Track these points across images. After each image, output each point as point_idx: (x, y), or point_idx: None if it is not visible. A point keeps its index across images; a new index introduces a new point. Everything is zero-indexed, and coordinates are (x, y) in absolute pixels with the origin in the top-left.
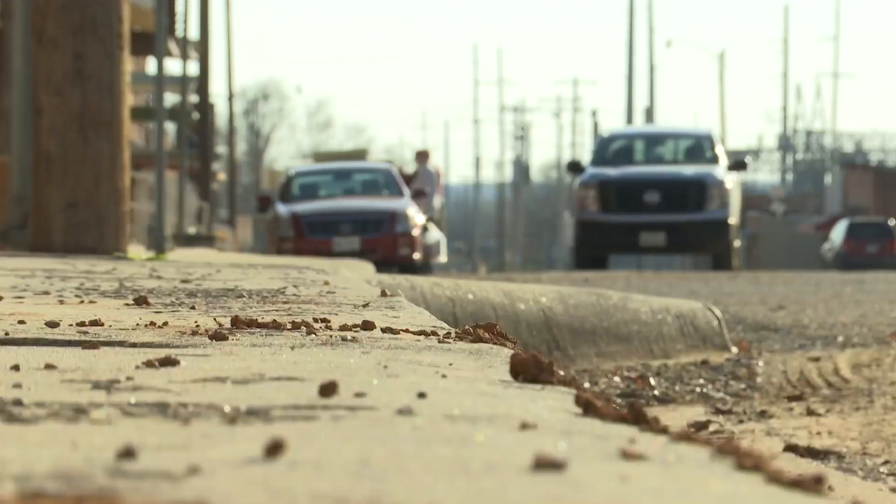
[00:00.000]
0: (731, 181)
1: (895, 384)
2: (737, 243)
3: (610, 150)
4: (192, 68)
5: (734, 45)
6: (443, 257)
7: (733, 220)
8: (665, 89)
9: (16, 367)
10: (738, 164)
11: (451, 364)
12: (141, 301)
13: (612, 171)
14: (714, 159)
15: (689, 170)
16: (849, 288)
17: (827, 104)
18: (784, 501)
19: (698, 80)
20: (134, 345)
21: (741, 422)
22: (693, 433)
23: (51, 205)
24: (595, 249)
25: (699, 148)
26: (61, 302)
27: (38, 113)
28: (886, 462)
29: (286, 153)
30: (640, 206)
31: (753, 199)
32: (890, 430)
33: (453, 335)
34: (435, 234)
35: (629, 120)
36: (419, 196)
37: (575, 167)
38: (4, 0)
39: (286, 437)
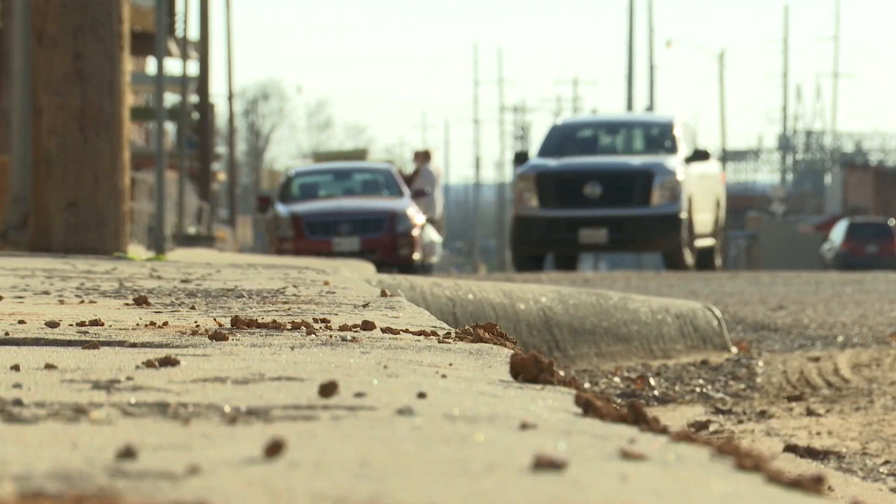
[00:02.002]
0: (689, 172)
1: (895, 384)
2: (706, 241)
3: (560, 139)
4: (192, 68)
5: (734, 45)
6: (437, 258)
7: (686, 214)
8: (665, 89)
9: (16, 367)
10: (699, 154)
11: (450, 364)
12: (141, 301)
13: (552, 162)
14: (672, 149)
15: (637, 160)
16: (849, 288)
17: (827, 104)
18: (784, 501)
19: (698, 80)
20: (134, 345)
21: (741, 422)
22: (693, 433)
23: (51, 205)
24: (532, 248)
25: (658, 136)
26: (61, 302)
27: (38, 113)
28: (886, 462)
29: (286, 153)
30: (580, 199)
31: (753, 199)
32: (890, 430)
33: (453, 335)
34: (431, 235)
35: None
36: (419, 196)
37: (521, 158)
38: (4, 0)
39: (286, 437)
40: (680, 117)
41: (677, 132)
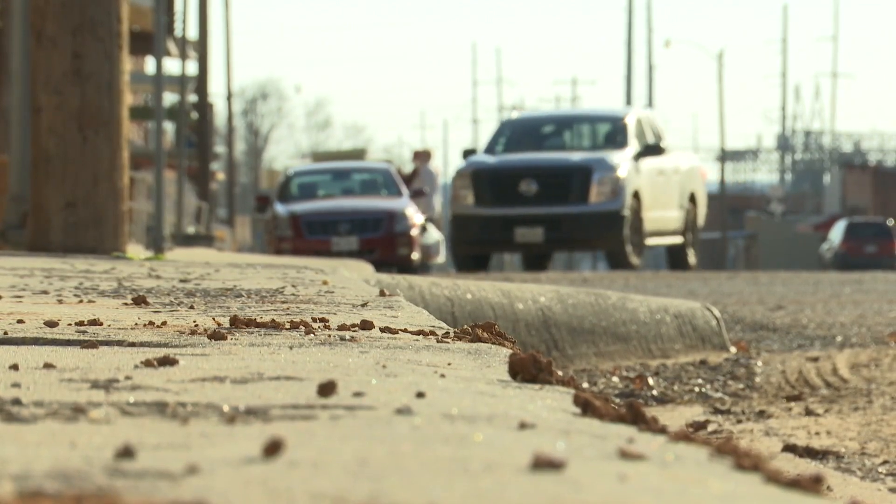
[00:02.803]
0: (639, 168)
1: (894, 384)
2: (671, 239)
3: (509, 135)
4: (191, 68)
5: (733, 45)
6: (441, 258)
7: (629, 211)
8: (664, 89)
9: (14, 367)
10: (651, 148)
11: (449, 364)
12: (140, 301)
13: (491, 159)
14: (621, 144)
15: (578, 156)
16: (847, 288)
17: (826, 104)
18: (783, 501)
19: (697, 79)
20: (132, 344)
21: (740, 422)
22: (691, 433)
23: (49, 204)
24: (469, 247)
25: (609, 132)
26: (60, 301)
27: (37, 112)
28: (885, 462)
29: (285, 153)
30: (516, 197)
31: (752, 199)
32: (888, 430)
33: (452, 335)
34: (434, 234)
35: None
36: (419, 196)
37: (468, 155)
38: None
39: (285, 437)
40: (637, 112)
41: (629, 127)
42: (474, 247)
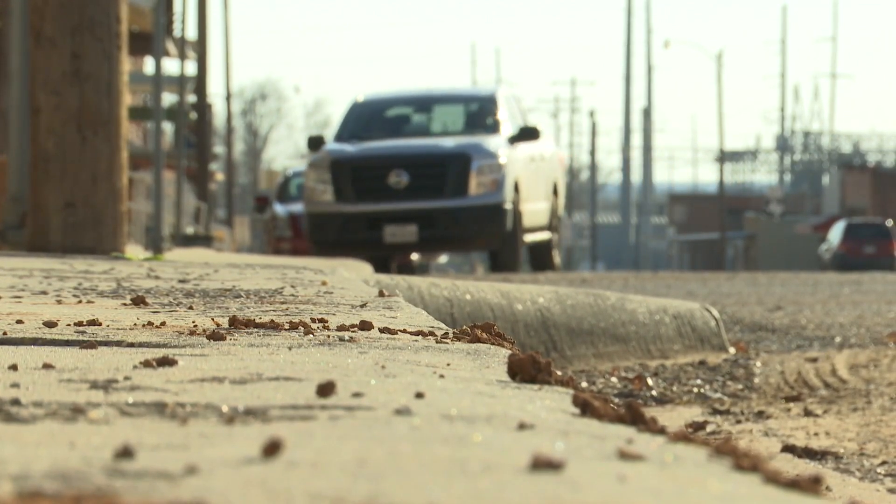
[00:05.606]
0: (515, 155)
1: (892, 385)
2: (541, 235)
3: (362, 120)
4: (190, 68)
5: (732, 46)
6: (442, 257)
7: (511, 205)
8: (663, 90)
9: (14, 367)
10: (526, 132)
11: (448, 364)
12: (139, 301)
13: (350, 148)
14: (494, 127)
15: (451, 142)
16: (846, 289)
17: (825, 105)
18: (782, 502)
19: (696, 80)
20: (131, 345)
21: (739, 422)
22: (691, 433)
23: (48, 204)
24: (331, 250)
25: (479, 113)
26: (59, 301)
27: (36, 112)
28: (884, 463)
29: (284, 153)
30: (384, 191)
31: (751, 199)
32: (887, 430)
33: (451, 335)
34: None
35: (627, 121)
36: None
37: (316, 144)
38: None
39: (284, 437)
40: (506, 90)
41: (501, 108)
42: (336, 249)
